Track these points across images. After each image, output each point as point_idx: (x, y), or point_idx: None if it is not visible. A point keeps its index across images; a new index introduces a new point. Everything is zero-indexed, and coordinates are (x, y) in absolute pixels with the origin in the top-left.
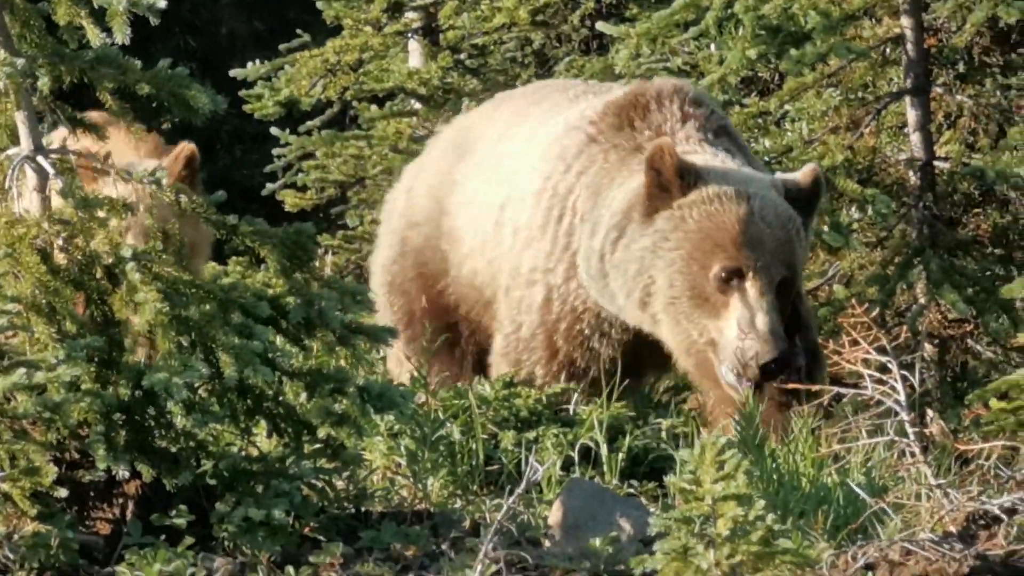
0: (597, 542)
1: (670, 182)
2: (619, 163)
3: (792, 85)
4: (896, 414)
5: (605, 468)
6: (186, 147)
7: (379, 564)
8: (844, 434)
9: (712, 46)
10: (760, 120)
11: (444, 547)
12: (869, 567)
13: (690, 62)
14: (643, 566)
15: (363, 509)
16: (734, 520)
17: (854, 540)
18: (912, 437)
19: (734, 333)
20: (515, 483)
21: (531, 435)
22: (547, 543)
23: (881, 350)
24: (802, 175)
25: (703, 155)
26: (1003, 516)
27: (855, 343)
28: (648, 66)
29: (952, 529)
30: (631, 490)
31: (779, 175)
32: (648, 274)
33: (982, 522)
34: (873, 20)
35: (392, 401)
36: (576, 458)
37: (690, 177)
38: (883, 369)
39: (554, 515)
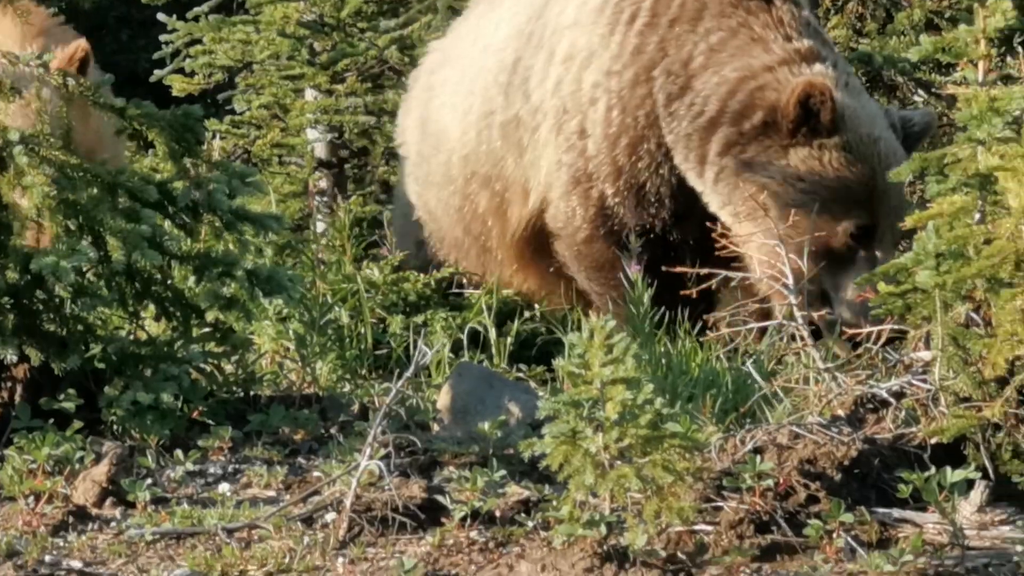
0: (486, 426)
1: (822, 126)
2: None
3: None
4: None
5: (494, 352)
6: (79, 47)
7: (267, 448)
8: (733, 318)
9: None
10: None
11: (332, 431)
12: (757, 451)
13: None
14: (531, 449)
15: (252, 393)
16: (623, 404)
17: (743, 424)
18: (800, 321)
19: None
20: (404, 367)
21: (420, 319)
22: (436, 427)
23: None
24: (920, 117)
25: (826, 74)
26: (891, 400)
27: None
28: None
29: (840, 413)
30: (520, 374)
31: (896, 112)
32: (763, 200)
33: (870, 406)
34: None
35: (280, 285)
36: (465, 342)
37: (838, 120)
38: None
39: (443, 399)
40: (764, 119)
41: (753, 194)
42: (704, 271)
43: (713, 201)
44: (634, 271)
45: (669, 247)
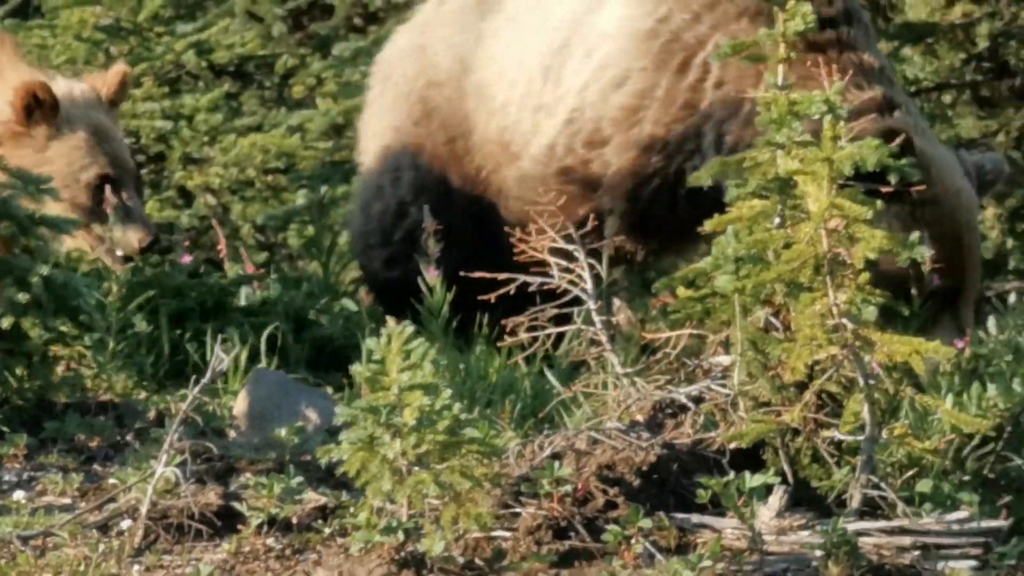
0: (283, 432)
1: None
2: None
3: None
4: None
5: (291, 358)
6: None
7: (63, 455)
8: (533, 323)
9: None
10: None
11: (129, 438)
12: (556, 456)
13: None
14: (329, 456)
15: (47, 400)
16: (420, 409)
17: (541, 430)
18: (599, 325)
19: None
20: (201, 373)
21: (216, 324)
22: (233, 434)
23: (568, 238)
24: (992, 164)
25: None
26: (690, 405)
27: (542, 231)
28: None
29: (639, 418)
30: (317, 380)
31: (968, 157)
32: None
33: (669, 411)
34: None
35: (76, 291)
36: (262, 348)
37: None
38: (571, 257)
39: (239, 406)
40: None
41: None
42: (502, 276)
43: None
44: (431, 276)
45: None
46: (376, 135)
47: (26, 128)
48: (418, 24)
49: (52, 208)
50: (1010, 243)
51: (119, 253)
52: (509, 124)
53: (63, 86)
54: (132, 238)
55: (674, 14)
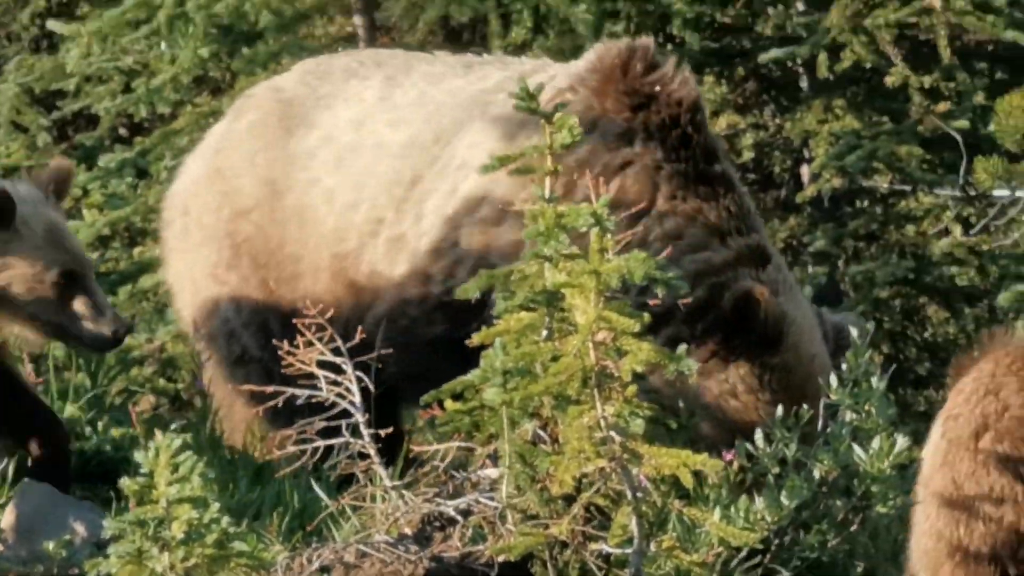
0: (50, 545)
1: (765, 339)
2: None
3: (244, 84)
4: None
5: None
6: None
7: None
8: (301, 434)
9: (163, 45)
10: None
11: None
12: (324, 569)
13: (141, 61)
14: (97, 569)
15: None
16: (188, 523)
17: (309, 542)
18: (367, 438)
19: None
20: None
21: None
22: (0, 547)
23: (336, 351)
24: (857, 329)
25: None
26: (458, 517)
27: (310, 344)
28: (99, 65)
29: (407, 531)
30: (85, 493)
31: (827, 314)
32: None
33: (438, 524)
34: (326, 18)
35: None
36: (30, 461)
37: (769, 332)
38: (339, 370)
39: (7, 519)
40: (716, 321)
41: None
42: (270, 389)
43: None
44: (198, 386)
45: None
46: (191, 284)
47: None
48: (210, 147)
49: None
50: None
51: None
52: (350, 252)
53: (9, 187)
54: (105, 330)
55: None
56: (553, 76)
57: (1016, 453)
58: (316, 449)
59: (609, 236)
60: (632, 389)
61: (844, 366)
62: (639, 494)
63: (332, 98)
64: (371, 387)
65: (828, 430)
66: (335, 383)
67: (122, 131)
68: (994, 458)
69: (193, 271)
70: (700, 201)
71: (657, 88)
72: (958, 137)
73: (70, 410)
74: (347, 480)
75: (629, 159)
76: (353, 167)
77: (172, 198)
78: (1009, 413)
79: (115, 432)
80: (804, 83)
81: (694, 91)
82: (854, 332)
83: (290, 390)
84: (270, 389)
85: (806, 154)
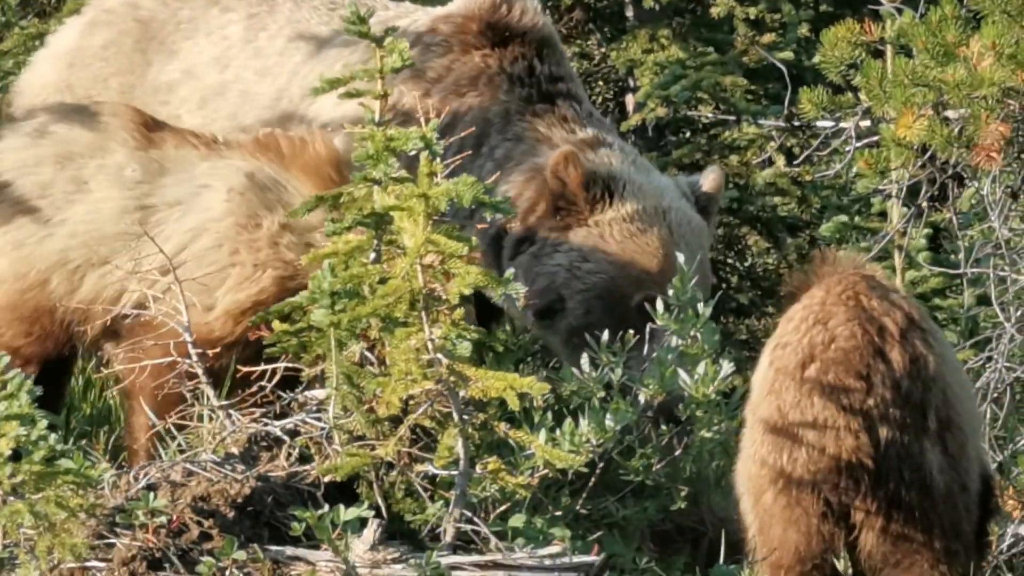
0: None
1: (576, 197)
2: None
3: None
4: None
5: None
6: None
7: None
8: (130, 354)
9: None
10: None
11: None
12: (151, 488)
13: None
14: None
15: None
16: (16, 439)
17: None
18: (195, 358)
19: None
20: None
21: None
22: None
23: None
24: (708, 182)
25: (602, 151)
26: (285, 438)
27: None
28: None
29: (234, 450)
30: None
31: (683, 178)
32: (559, 293)
33: (264, 444)
34: None
35: None
36: None
37: (598, 189)
38: None
39: None
40: (546, 207)
41: (550, 299)
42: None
43: (511, 308)
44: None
45: None
46: None
47: None
48: (62, 58)
49: None
50: None
51: None
52: None
53: None
54: None
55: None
56: (415, 20)
57: (840, 384)
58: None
59: (438, 160)
60: (459, 312)
61: (671, 291)
62: (465, 416)
63: (193, 27)
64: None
65: (654, 355)
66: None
67: None
68: (819, 388)
69: None
70: (531, 118)
71: (512, 25)
72: (783, 68)
73: None
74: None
75: (475, 88)
76: (219, 112)
77: (20, 96)
78: (835, 344)
79: None
80: (630, 13)
81: (546, 27)
82: (708, 180)
83: (117, 309)
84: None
85: (631, 83)
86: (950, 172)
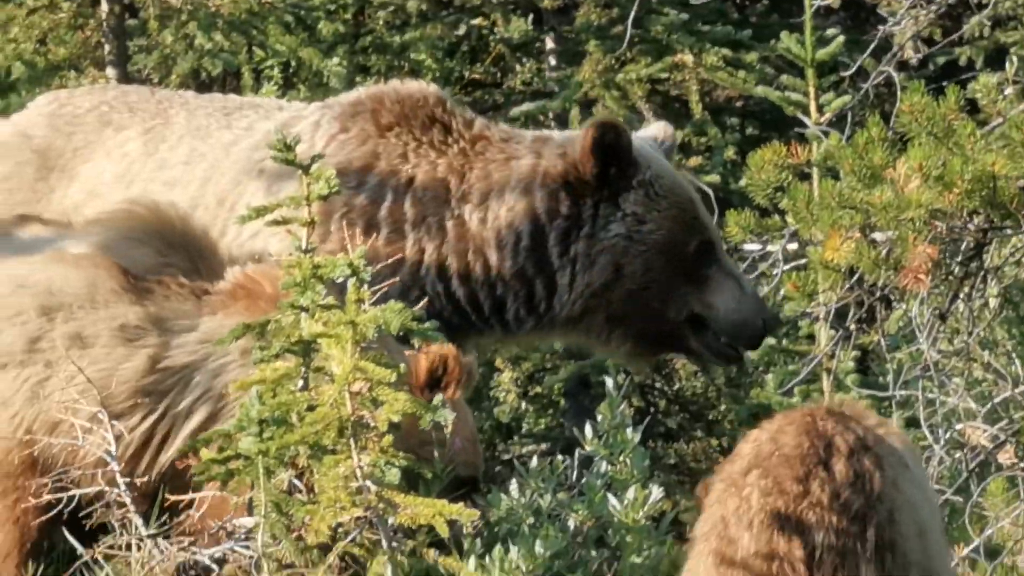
0: None
1: (624, 160)
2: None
3: None
4: None
5: None
6: None
7: None
8: (56, 483)
9: None
10: None
11: None
12: None
13: None
14: None
15: None
16: None
17: None
18: (123, 487)
19: (728, 303)
20: None
21: None
22: None
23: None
24: (666, 134)
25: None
26: (214, 566)
27: None
28: None
29: None
30: None
31: (642, 133)
32: (616, 263)
33: (193, 572)
34: (78, 72)
35: None
36: None
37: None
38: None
39: None
40: (589, 181)
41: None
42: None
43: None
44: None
45: None
46: None
47: None
48: None
49: None
50: (524, 406)
51: None
52: None
53: None
54: None
55: None
56: (318, 121)
57: (777, 486)
58: (72, 498)
59: (365, 287)
60: (388, 439)
61: (600, 417)
62: (394, 544)
63: (90, 150)
64: (127, 435)
65: (583, 480)
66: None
67: None
68: (757, 490)
69: None
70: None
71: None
72: (709, 192)
73: None
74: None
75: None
76: None
77: None
78: (779, 452)
79: None
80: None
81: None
82: (664, 132)
83: (45, 439)
84: (26, 437)
85: None
86: (878, 294)
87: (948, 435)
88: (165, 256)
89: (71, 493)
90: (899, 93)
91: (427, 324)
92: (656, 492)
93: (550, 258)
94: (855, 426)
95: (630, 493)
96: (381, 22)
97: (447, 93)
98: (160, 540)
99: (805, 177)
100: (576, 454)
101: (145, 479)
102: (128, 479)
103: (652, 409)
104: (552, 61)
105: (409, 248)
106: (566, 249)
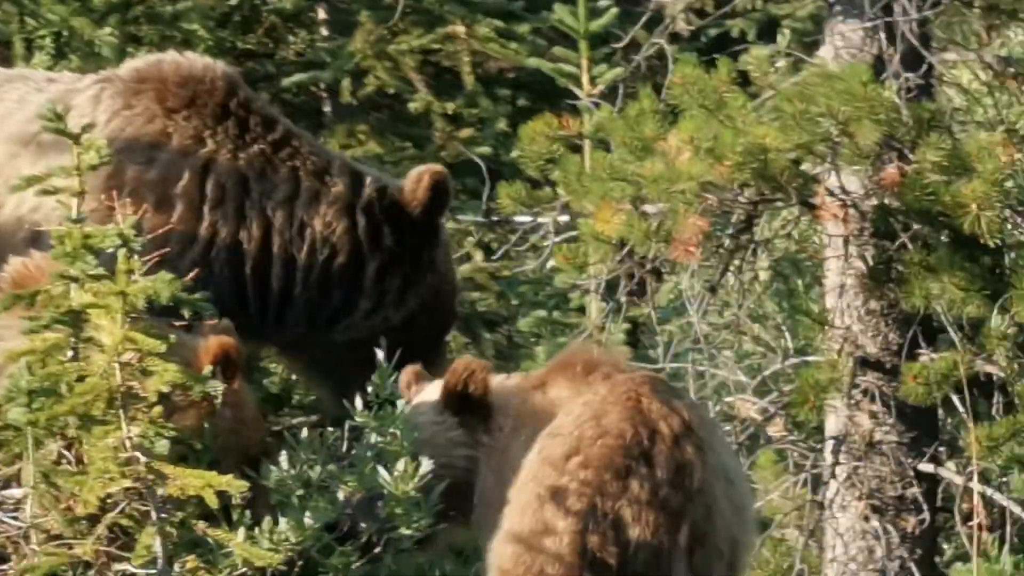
0: None
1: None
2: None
3: None
4: None
5: None
6: None
7: None
8: None
9: None
10: None
11: None
12: None
13: None
14: None
15: None
16: None
17: None
18: None
19: None
20: None
21: None
22: None
23: None
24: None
25: None
26: None
27: None
28: None
29: None
30: None
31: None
32: (422, 308)
33: None
34: None
35: None
36: None
37: None
38: None
39: None
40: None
41: None
42: None
43: None
44: None
45: None
46: None
47: None
48: None
49: None
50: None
51: None
52: None
53: None
54: None
55: None
56: (97, 96)
57: (597, 480)
58: None
59: (136, 257)
60: (158, 410)
61: (370, 388)
62: (163, 514)
63: None
64: None
65: (353, 452)
66: None
67: None
68: (577, 480)
69: None
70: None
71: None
72: (481, 163)
73: None
74: None
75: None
76: None
77: None
78: (602, 440)
79: None
80: (328, 108)
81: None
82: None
83: None
84: None
85: None
86: (648, 267)
87: (718, 408)
88: None
89: None
90: (671, 65)
91: (197, 295)
92: (426, 464)
93: (361, 282)
94: (679, 404)
95: (400, 465)
96: None
97: (237, 75)
98: None
99: (576, 149)
100: (346, 426)
101: None
102: None
103: None
104: (324, 32)
105: (204, 228)
106: (380, 279)
